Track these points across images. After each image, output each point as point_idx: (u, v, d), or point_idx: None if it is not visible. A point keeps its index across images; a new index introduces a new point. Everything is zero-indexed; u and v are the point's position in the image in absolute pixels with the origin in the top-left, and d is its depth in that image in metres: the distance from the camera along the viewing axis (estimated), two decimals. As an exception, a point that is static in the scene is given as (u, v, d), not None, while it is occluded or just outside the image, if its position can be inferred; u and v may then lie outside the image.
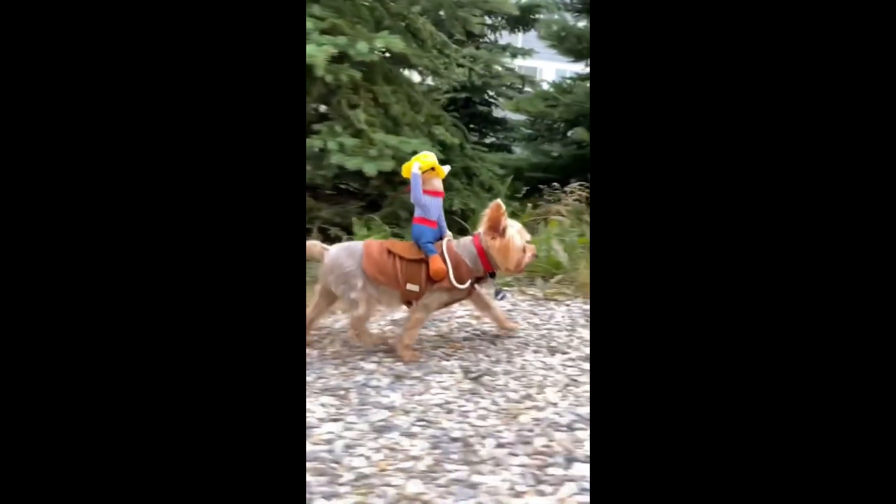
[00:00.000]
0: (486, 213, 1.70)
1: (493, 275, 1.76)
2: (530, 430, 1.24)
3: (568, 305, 2.27)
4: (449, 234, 1.77)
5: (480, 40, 7.27)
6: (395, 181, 3.70)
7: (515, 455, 1.13)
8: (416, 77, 4.60)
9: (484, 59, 4.75)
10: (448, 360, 1.66)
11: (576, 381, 1.51)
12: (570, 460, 1.11)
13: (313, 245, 1.73)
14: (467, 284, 1.68)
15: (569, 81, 4.85)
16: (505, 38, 7.33)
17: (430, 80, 5.56)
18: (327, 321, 1.94)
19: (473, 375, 1.55)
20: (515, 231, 1.69)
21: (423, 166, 1.70)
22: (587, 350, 1.75)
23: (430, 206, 1.72)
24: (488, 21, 7.27)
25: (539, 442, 1.18)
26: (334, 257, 1.68)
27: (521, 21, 6.69)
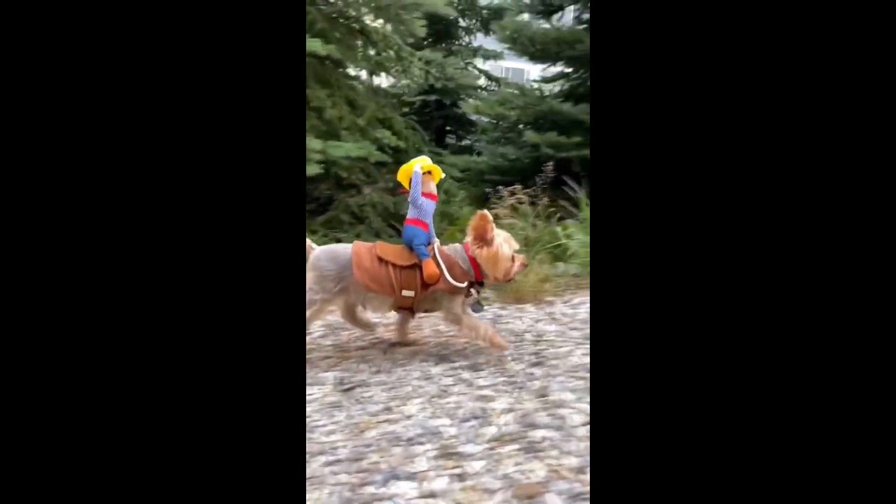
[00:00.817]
0: (472, 223, 1.66)
1: (481, 283, 1.73)
2: (368, 446, 1.19)
3: (483, 311, 2.22)
4: (437, 239, 1.73)
5: (455, 42, 7.26)
6: (343, 184, 3.67)
7: (336, 474, 1.08)
8: (377, 80, 4.56)
9: (438, 61, 4.68)
10: (327, 371, 1.61)
11: (445, 391, 1.46)
12: (390, 478, 1.06)
13: None
14: (465, 284, 1.65)
15: (532, 84, 4.81)
16: (480, 40, 7.32)
17: (390, 83, 5.53)
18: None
19: (344, 387, 1.50)
20: (503, 240, 1.66)
21: (423, 168, 1.70)
22: (477, 359, 1.70)
23: (425, 208, 1.70)
24: (462, 24, 7.27)
25: (370, 459, 1.14)
26: (317, 258, 1.66)
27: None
